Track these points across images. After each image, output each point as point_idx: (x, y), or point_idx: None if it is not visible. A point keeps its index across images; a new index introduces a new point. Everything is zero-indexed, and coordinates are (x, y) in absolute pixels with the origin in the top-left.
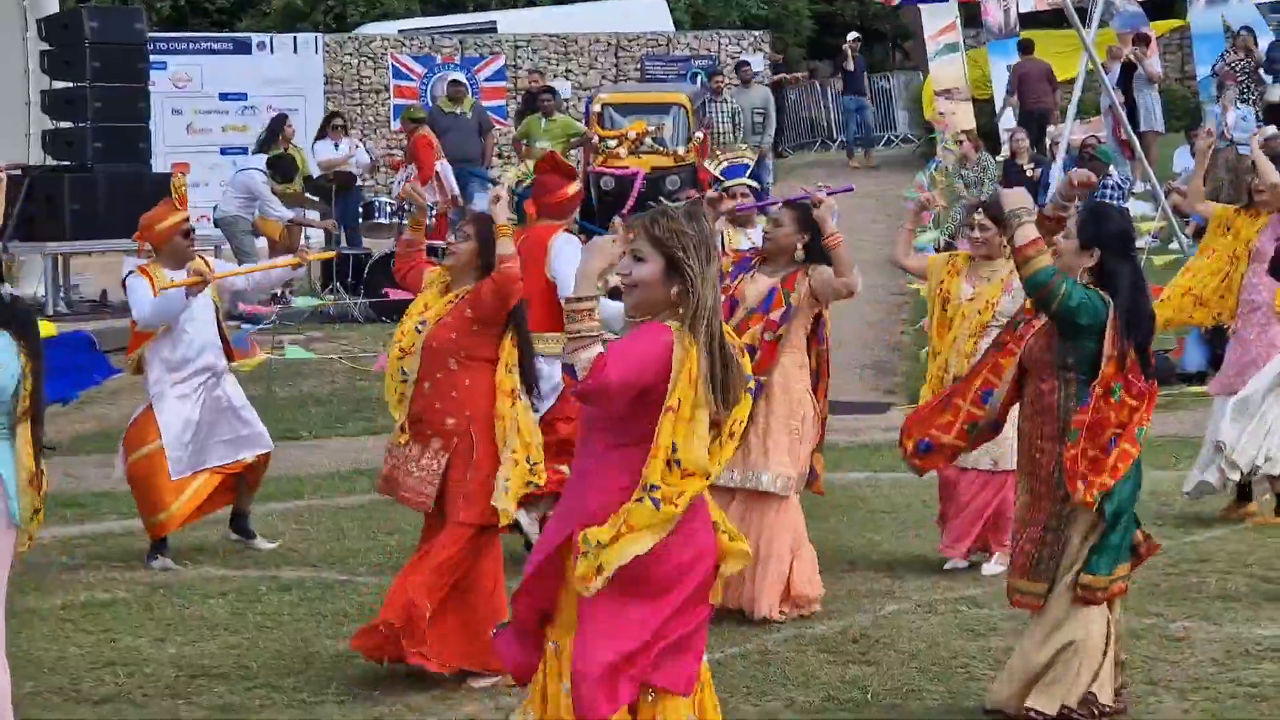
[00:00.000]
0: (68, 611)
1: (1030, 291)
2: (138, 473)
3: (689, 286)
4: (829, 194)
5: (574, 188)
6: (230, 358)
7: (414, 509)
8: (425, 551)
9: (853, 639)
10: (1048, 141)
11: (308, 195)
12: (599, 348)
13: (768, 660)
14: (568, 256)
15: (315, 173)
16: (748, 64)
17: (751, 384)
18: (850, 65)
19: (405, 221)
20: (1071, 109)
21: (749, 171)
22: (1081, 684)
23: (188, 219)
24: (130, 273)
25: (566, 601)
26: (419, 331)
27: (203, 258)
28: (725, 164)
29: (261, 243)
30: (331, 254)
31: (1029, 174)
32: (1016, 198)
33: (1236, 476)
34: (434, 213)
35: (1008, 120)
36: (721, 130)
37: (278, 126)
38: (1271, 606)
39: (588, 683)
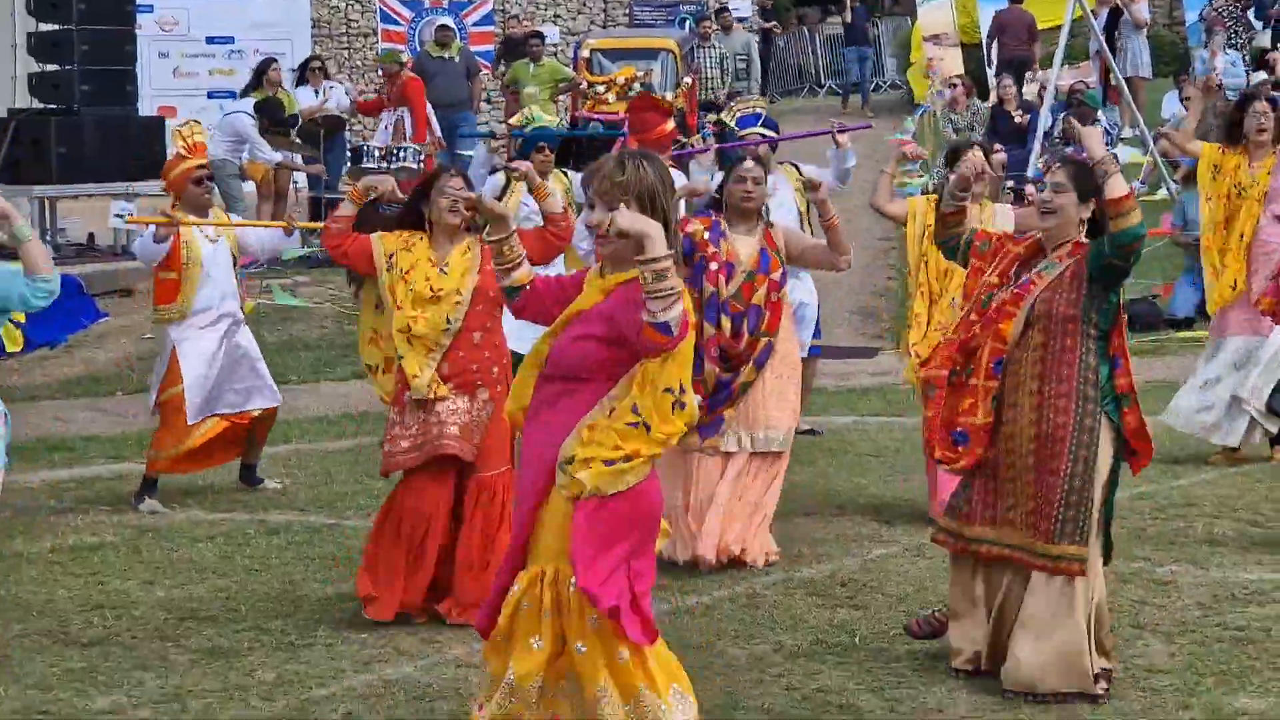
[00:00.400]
0: (56, 555)
1: (1121, 242)
2: (165, 409)
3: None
4: (843, 131)
5: (670, 124)
6: (243, 307)
7: (460, 458)
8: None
9: (841, 583)
10: (1025, 88)
11: (296, 140)
12: (685, 302)
13: (756, 604)
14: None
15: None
16: (727, 10)
17: (765, 342)
18: (848, 16)
19: (394, 166)
20: (1059, 55)
21: (761, 120)
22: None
23: (200, 165)
24: (119, 215)
25: (548, 529)
26: (444, 273)
27: (224, 211)
28: (739, 114)
29: (249, 187)
30: (320, 225)
31: (1017, 120)
32: (1098, 141)
33: (1275, 427)
34: (422, 155)
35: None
36: (709, 76)
37: (264, 69)
38: (1258, 550)
39: (602, 590)
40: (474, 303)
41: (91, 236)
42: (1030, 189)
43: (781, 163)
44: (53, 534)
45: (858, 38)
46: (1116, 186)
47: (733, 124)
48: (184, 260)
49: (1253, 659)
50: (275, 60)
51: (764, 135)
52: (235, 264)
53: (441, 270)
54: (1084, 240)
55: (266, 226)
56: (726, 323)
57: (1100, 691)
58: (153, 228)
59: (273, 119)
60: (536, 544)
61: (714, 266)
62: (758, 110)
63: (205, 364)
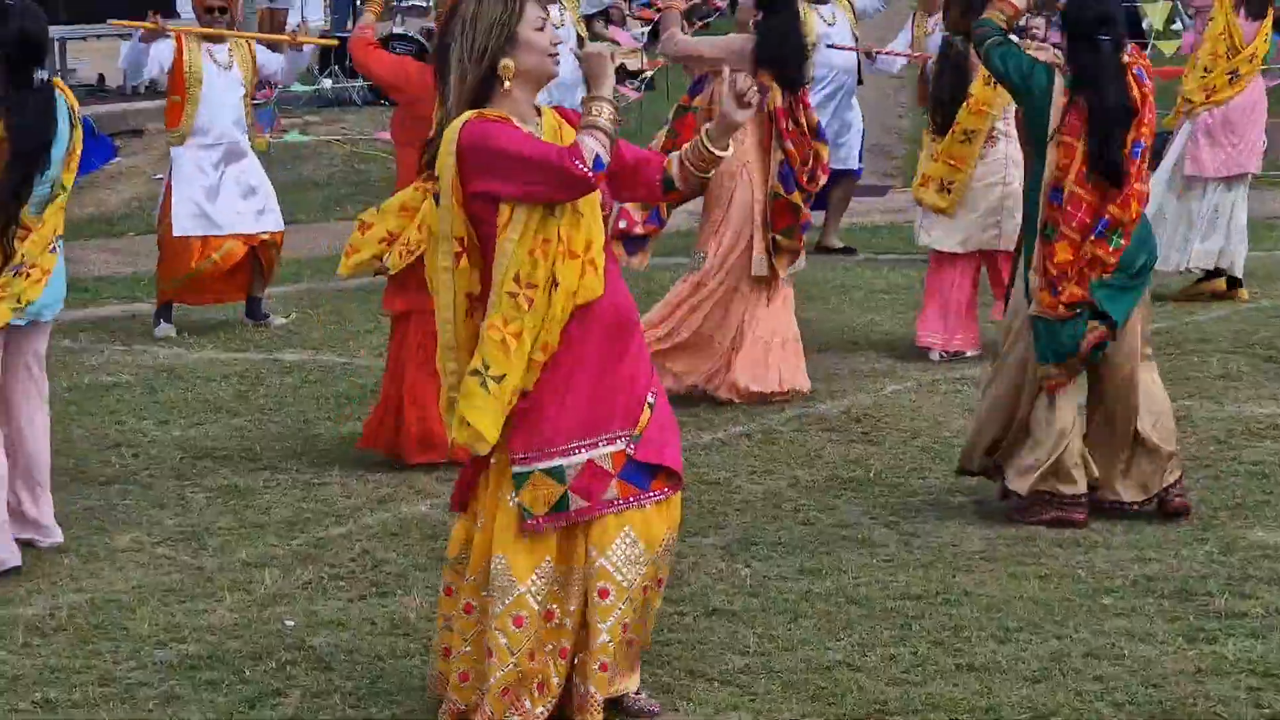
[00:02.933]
0: (72, 394)
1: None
2: (163, 237)
3: None
4: None
5: None
6: (252, 139)
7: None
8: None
9: (855, 418)
10: None
11: None
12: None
13: (772, 439)
14: None
15: None
16: None
17: None
18: None
19: (403, 5)
20: None
21: None
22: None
23: None
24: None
25: None
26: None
27: (249, 44)
28: None
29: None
30: (334, 41)
31: None
32: None
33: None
34: None
35: None
36: None
37: None
38: (1273, 385)
39: None
40: None
41: (101, 77)
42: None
43: None
44: (68, 373)
45: None
46: None
47: None
48: (186, 81)
49: (1267, 493)
50: None
51: None
52: (246, 94)
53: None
54: None
55: (270, 40)
56: None
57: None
58: (138, 31)
59: None
60: None
61: None
62: None
63: (196, 180)
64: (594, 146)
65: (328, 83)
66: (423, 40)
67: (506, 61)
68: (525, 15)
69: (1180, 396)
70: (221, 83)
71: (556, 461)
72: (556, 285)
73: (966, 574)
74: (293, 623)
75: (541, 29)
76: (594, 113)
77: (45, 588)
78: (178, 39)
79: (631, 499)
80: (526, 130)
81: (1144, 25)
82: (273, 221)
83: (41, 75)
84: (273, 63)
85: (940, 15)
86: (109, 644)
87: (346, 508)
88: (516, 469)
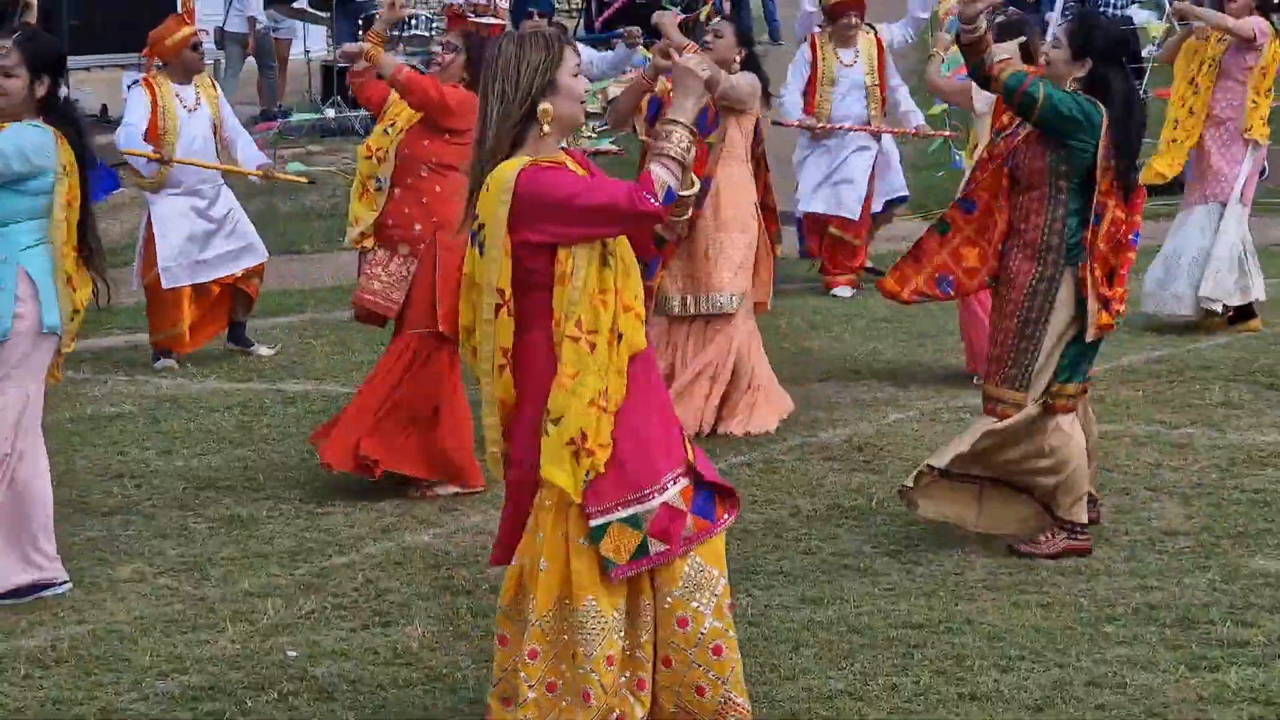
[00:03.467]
0: (75, 425)
1: (1007, 102)
2: (152, 288)
3: None
4: None
5: None
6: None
7: (379, 316)
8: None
9: (857, 447)
10: None
11: (309, 9)
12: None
13: (774, 469)
14: None
15: None
16: None
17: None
18: None
19: (406, 34)
20: None
21: None
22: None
23: (195, 33)
24: (135, 83)
25: None
26: (387, 135)
27: (210, 79)
28: None
29: (251, 61)
30: (303, 178)
31: None
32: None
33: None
34: (434, 23)
35: None
36: None
37: None
38: (1274, 413)
39: None
40: (396, 160)
41: (104, 108)
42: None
43: (863, 26)
44: (70, 404)
45: None
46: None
47: None
48: (161, 128)
49: (1269, 521)
50: None
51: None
52: (216, 133)
53: (385, 131)
54: None
55: (244, 173)
56: None
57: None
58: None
59: None
60: None
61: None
62: None
63: (179, 229)
64: (665, 178)
65: (330, 112)
66: (423, 69)
67: (545, 106)
68: (565, 61)
69: (1182, 424)
70: (192, 126)
71: (633, 510)
72: (620, 338)
73: (969, 602)
74: (295, 653)
75: (576, 75)
76: (668, 138)
77: (47, 619)
78: (149, 86)
79: (704, 533)
80: (575, 173)
81: (1144, 52)
82: (254, 256)
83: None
84: (229, 117)
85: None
86: (111, 675)
87: (350, 537)
88: (594, 522)
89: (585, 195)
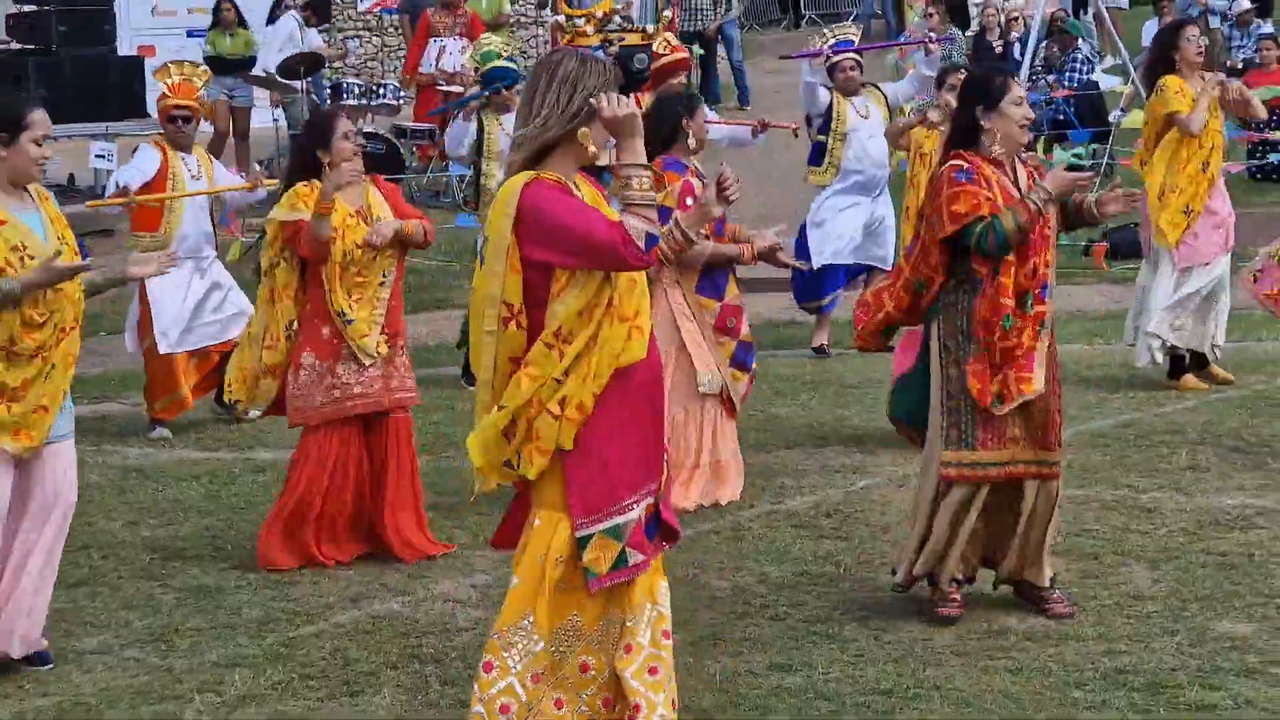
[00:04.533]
0: None
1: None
2: (149, 359)
3: None
4: (936, 41)
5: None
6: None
7: (405, 408)
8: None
9: (825, 514)
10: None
11: (278, 78)
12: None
13: (740, 536)
14: None
15: (265, 56)
16: None
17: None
18: None
19: (374, 104)
20: None
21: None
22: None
23: (178, 106)
24: (145, 142)
25: None
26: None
27: (207, 153)
28: (833, 39)
29: (205, 127)
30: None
31: (997, 50)
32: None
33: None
34: (401, 92)
35: None
36: (700, 7)
37: (217, 8)
38: (1241, 476)
39: None
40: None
41: (72, 177)
42: None
43: (865, 84)
44: None
45: None
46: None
47: (828, 49)
48: (169, 187)
49: (1236, 584)
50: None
51: (857, 58)
52: (211, 205)
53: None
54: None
55: (230, 190)
56: None
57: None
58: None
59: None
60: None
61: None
62: (850, 37)
63: (175, 296)
64: (640, 226)
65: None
66: (394, 139)
67: (586, 130)
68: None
69: (1150, 488)
70: (185, 201)
71: (615, 520)
72: (598, 346)
73: (937, 668)
74: None
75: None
76: (631, 186)
77: (12, 692)
78: (160, 147)
79: (650, 553)
80: (580, 198)
81: (1110, 117)
82: (244, 323)
83: None
84: (223, 176)
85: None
86: None
87: (317, 606)
88: (580, 532)
89: (581, 230)
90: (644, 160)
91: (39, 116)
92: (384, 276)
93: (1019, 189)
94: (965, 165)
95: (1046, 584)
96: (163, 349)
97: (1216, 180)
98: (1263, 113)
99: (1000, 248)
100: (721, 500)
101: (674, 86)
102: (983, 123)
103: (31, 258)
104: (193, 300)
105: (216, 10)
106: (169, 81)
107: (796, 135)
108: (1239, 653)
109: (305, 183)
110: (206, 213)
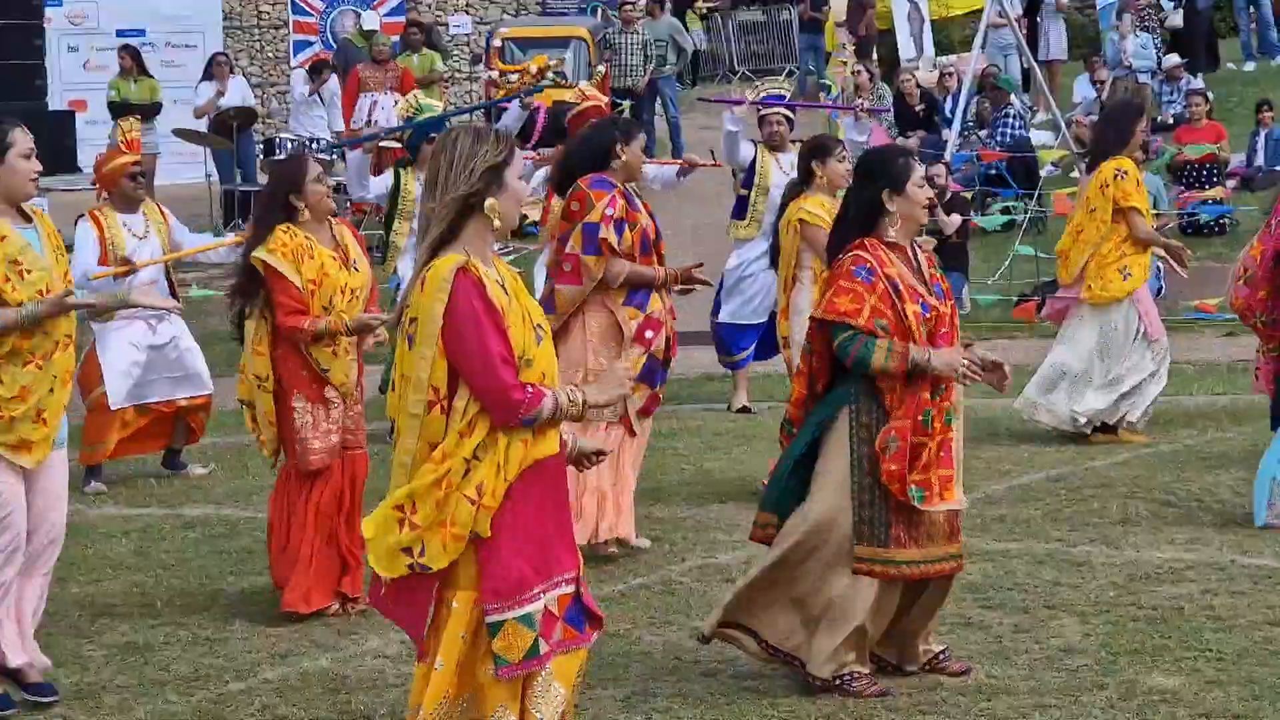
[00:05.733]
0: None
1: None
2: (96, 408)
3: None
4: (866, 110)
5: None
6: (175, 297)
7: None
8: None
9: None
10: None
11: (210, 134)
12: None
13: (671, 590)
14: None
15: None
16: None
17: None
18: (807, 5)
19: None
20: (978, 38)
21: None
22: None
23: (136, 162)
24: (81, 216)
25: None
26: (356, 270)
27: (157, 205)
28: (763, 93)
29: None
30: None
31: (918, 111)
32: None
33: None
34: (335, 149)
35: (908, 51)
36: (630, 64)
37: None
38: (1171, 530)
39: None
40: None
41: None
42: (939, 169)
43: (795, 141)
44: None
45: (810, 26)
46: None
47: (757, 101)
48: (110, 259)
49: (1166, 638)
50: (129, 45)
51: (786, 113)
52: (168, 262)
53: (353, 268)
54: None
55: (219, 247)
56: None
57: None
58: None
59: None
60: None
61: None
62: (782, 91)
63: (127, 355)
64: (548, 410)
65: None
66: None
67: (493, 202)
68: (513, 163)
69: (1080, 542)
70: (143, 254)
71: (526, 609)
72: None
73: None
74: None
75: (520, 178)
76: (574, 402)
77: None
78: (94, 219)
79: (571, 643)
80: (489, 295)
81: (1042, 173)
82: (194, 387)
83: None
84: (184, 243)
85: None
86: None
87: (247, 663)
88: (491, 619)
89: (483, 361)
90: (592, 402)
91: (20, 134)
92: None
93: (919, 273)
94: (869, 263)
95: (934, 650)
96: (114, 405)
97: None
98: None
99: (856, 365)
100: (621, 534)
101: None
102: (888, 206)
103: (29, 271)
104: (144, 356)
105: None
106: (122, 139)
107: (719, 166)
108: (1168, 706)
109: (284, 227)
110: (162, 268)
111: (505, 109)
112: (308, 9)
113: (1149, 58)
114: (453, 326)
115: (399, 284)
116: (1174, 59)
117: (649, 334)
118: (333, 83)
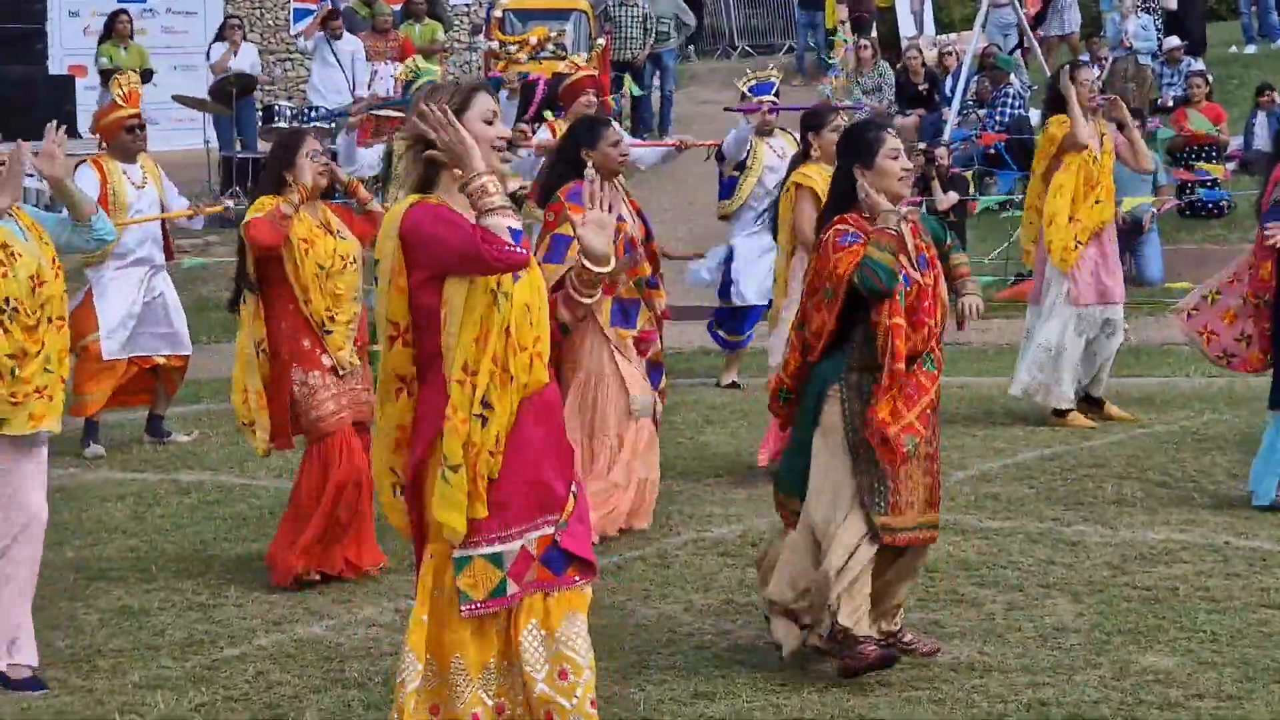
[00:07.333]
0: None
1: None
2: (82, 356)
3: None
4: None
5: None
6: (169, 255)
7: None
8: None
9: (751, 543)
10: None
11: (209, 101)
12: None
13: (667, 564)
14: None
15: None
16: None
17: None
18: None
19: (307, 125)
20: (979, 17)
21: (773, 90)
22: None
23: (135, 115)
24: (82, 161)
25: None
26: (344, 238)
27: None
28: (753, 82)
29: None
30: (219, 207)
31: (921, 89)
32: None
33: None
34: (334, 117)
35: (909, 29)
36: (630, 36)
37: (110, 22)
38: (1165, 510)
39: None
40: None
41: None
42: (941, 151)
43: (783, 129)
44: None
45: (810, 2)
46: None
47: (746, 90)
48: (111, 205)
49: (1160, 618)
50: (124, 10)
51: (775, 102)
52: (163, 210)
53: (340, 236)
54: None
55: (175, 216)
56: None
57: None
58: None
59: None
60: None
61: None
62: (771, 80)
63: (123, 305)
64: (501, 223)
65: (230, 203)
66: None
67: (436, 151)
68: (473, 106)
69: (1075, 521)
70: (141, 203)
71: (497, 548)
72: (511, 379)
73: (861, 697)
74: None
75: (491, 121)
76: (483, 192)
77: None
78: (97, 165)
79: (548, 584)
80: (460, 215)
81: None
82: (173, 346)
83: None
84: (171, 200)
85: None
86: None
87: (241, 629)
88: (457, 554)
89: (453, 238)
90: (482, 167)
91: None
92: (356, 292)
93: (903, 245)
94: (851, 229)
95: (898, 627)
96: (107, 354)
97: (1109, 224)
98: (1150, 165)
99: (887, 276)
100: (637, 526)
101: (582, 106)
102: (861, 180)
103: (19, 256)
104: (138, 308)
105: (111, 23)
106: (121, 92)
107: (714, 155)
108: (1162, 686)
109: (271, 197)
110: (159, 222)
111: (494, 77)
112: None
113: (1150, 39)
114: (418, 236)
115: None
116: (1174, 41)
117: (643, 345)
118: (353, 43)
